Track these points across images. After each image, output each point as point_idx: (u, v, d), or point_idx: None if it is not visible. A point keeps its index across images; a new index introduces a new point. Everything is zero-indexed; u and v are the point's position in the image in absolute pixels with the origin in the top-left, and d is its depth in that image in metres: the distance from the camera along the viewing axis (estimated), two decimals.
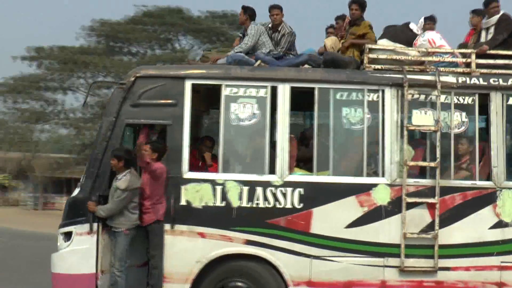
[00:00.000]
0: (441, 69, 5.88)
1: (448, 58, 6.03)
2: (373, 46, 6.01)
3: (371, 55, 5.89)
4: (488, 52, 6.08)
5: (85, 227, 5.45)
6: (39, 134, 30.89)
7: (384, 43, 6.15)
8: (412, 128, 5.59)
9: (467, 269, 5.49)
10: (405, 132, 5.53)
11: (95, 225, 5.45)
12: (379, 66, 5.89)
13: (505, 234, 5.49)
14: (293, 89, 5.61)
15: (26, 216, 24.66)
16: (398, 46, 6.12)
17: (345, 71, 5.78)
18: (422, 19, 6.43)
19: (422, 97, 5.66)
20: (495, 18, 6.34)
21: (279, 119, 5.56)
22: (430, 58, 6.04)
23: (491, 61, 5.97)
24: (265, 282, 5.48)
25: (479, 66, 5.91)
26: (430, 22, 6.47)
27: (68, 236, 5.52)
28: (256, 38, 6.15)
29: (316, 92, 5.58)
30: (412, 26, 6.36)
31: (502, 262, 5.47)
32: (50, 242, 10.47)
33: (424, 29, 6.41)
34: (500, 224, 5.49)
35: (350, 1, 6.32)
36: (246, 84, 5.63)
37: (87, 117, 26.18)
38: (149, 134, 5.64)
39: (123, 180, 5.29)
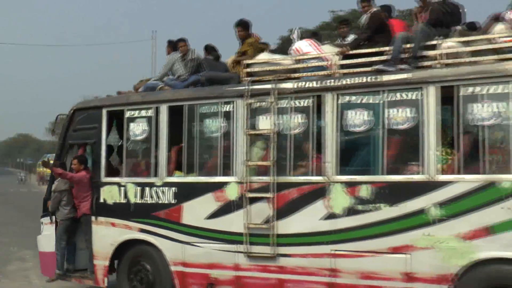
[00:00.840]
0: (309, 74, 6.51)
1: (314, 63, 6.58)
2: (249, 61, 6.93)
3: (248, 70, 6.85)
4: (357, 51, 6.42)
5: (48, 219, 7.78)
6: None
7: (262, 56, 6.99)
8: (252, 133, 6.42)
9: (304, 256, 6.09)
10: (247, 137, 6.41)
11: (53, 217, 7.74)
12: (257, 78, 6.79)
13: (335, 224, 5.93)
14: (171, 108, 6.99)
15: None
16: (275, 58, 6.90)
17: (204, 89, 6.90)
18: (297, 30, 7.00)
19: (265, 104, 6.41)
20: (366, 17, 6.61)
21: (160, 133, 7.02)
22: (300, 65, 6.68)
23: (351, 61, 6.32)
24: (158, 262, 7.00)
25: (347, 66, 6.33)
26: (313, 37, 6.97)
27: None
28: (168, 67, 7.66)
29: (185, 109, 6.87)
30: (292, 37, 7.02)
31: (332, 250, 5.93)
32: None
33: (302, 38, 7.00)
34: (331, 216, 5.95)
35: (234, 24, 7.31)
36: (139, 107, 7.23)
37: None
38: (85, 150, 7.68)
39: (54, 185, 7.46)
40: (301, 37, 6.93)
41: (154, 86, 7.52)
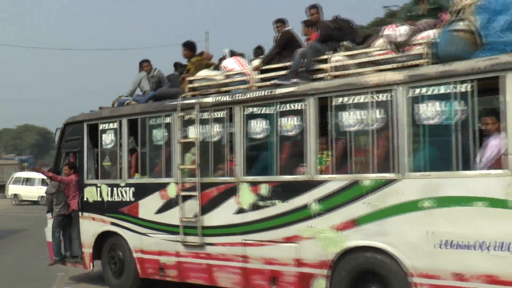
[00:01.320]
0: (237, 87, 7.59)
1: (237, 78, 7.64)
2: (190, 78, 8.11)
3: (190, 85, 8.05)
4: (271, 66, 7.38)
5: (50, 214, 9.52)
6: None
7: (201, 73, 8.13)
8: (182, 141, 7.61)
9: (223, 244, 7.22)
10: (180, 144, 7.63)
11: (51, 214, 9.47)
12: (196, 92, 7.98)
13: (244, 218, 6.99)
14: (130, 121, 8.37)
15: None
16: (210, 74, 8.03)
17: (153, 104, 8.17)
18: (227, 50, 8.02)
19: (192, 116, 7.57)
20: (278, 35, 7.54)
21: (123, 142, 8.43)
22: (227, 80, 7.77)
23: (263, 75, 7.32)
24: (126, 250, 8.45)
25: (266, 79, 7.32)
26: (237, 54, 7.99)
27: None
28: (136, 85, 9.04)
29: (139, 121, 8.21)
30: (224, 52, 8.06)
31: (243, 240, 7.00)
32: None
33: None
34: (240, 210, 7.03)
35: (181, 44, 8.49)
36: (108, 120, 8.68)
37: None
38: (76, 157, 9.29)
39: (46, 188, 9.16)
40: (231, 55, 7.94)
41: (124, 101, 8.91)
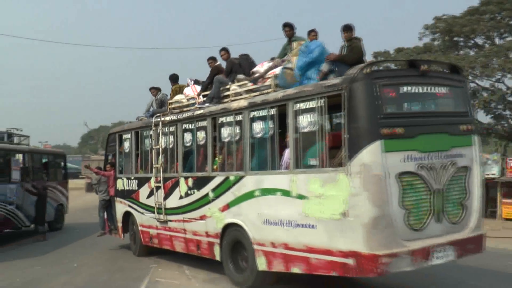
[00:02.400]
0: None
1: (192, 101, 10.64)
2: (171, 101, 11.30)
3: (171, 106, 11.27)
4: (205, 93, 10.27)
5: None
6: None
7: (176, 98, 11.24)
8: (156, 147, 10.82)
9: (175, 221, 10.30)
10: (155, 150, 10.88)
11: None
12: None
13: (182, 202, 9.99)
14: (135, 133, 11.86)
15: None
16: (180, 99, 11.12)
17: (144, 121, 11.52)
18: (190, 79, 10.95)
19: (160, 130, 10.74)
20: (210, 69, 10.33)
21: (132, 148, 11.97)
22: (186, 103, 10.80)
23: (199, 100, 10.25)
24: (136, 225, 11.99)
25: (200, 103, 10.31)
26: (196, 81, 10.89)
27: None
28: (148, 105, 12.45)
29: (139, 133, 11.66)
30: (188, 81, 11.04)
31: (183, 218, 10.01)
32: None
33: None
34: (181, 197, 10.04)
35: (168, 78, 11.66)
36: (126, 132, 12.30)
37: None
38: (115, 157, 13.11)
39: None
40: (194, 83, 10.90)
41: (140, 118, 12.41)
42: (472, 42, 26.36)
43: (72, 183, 24.20)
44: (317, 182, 6.97)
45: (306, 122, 7.20)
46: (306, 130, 7.21)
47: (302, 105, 7.28)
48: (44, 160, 17.63)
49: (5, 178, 14.41)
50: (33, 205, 15.20)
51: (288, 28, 8.91)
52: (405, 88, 6.88)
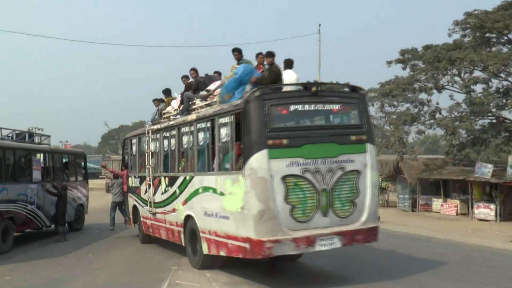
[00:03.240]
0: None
1: (175, 112, 12.68)
2: (164, 111, 13.42)
3: (164, 116, 13.40)
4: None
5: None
6: (415, 136, 30.96)
7: (167, 109, 13.32)
8: (148, 151, 12.96)
9: (160, 213, 12.39)
10: (148, 153, 13.04)
11: None
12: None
13: (163, 197, 12.05)
14: (138, 138, 14.10)
15: (401, 217, 24.12)
16: (169, 110, 13.20)
17: (143, 129, 13.72)
18: (176, 94, 12.95)
19: (151, 136, 12.87)
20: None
21: (137, 151, 14.23)
22: (173, 113, 12.86)
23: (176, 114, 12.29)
24: (140, 217, 14.24)
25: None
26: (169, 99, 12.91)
27: None
28: (153, 114, 14.62)
29: (140, 139, 13.89)
30: (174, 95, 13.08)
31: (164, 210, 12.06)
32: (425, 243, 14.57)
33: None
34: (162, 192, 12.10)
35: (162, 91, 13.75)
36: (134, 138, 14.59)
37: (458, 115, 26.11)
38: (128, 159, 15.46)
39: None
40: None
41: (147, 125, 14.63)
42: (506, 38, 26.07)
43: (92, 183, 23.92)
44: (229, 182, 8.76)
45: (224, 134, 9.00)
46: (224, 140, 9.01)
47: (221, 120, 9.08)
48: (64, 160, 17.73)
49: (26, 178, 14.41)
50: (53, 205, 15.39)
51: (237, 52, 10.61)
52: (295, 107, 8.51)
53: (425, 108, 28.03)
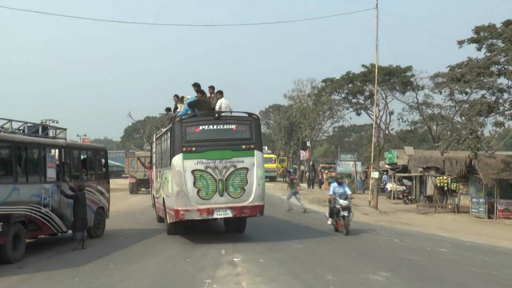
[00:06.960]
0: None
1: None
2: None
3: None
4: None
5: None
6: (492, 128, 26.56)
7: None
8: (154, 152, 15.01)
9: (158, 197, 17.04)
10: (154, 154, 15.99)
11: None
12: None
13: (157, 186, 14.61)
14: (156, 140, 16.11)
15: (474, 224, 20.82)
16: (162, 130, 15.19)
17: (156, 135, 17.47)
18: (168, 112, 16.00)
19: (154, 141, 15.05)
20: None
21: (155, 150, 16.46)
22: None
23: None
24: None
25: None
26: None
27: None
28: (167, 121, 17.03)
29: (157, 139, 16.23)
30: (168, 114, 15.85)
31: (162, 195, 16.18)
32: (504, 257, 12.37)
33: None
34: (158, 182, 15.22)
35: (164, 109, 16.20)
36: (155, 139, 19.47)
37: None
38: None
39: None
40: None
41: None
42: None
43: (114, 183, 22.06)
44: (168, 173, 14.07)
45: (164, 141, 14.70)
46: (164, 146, 14.68)
47: (166, 135, 14.79)
48: (82, 157, 15.60)
49: (39, 176, 12.86)
50: (70, 207, 13.65)
51: (196, 87, 15.17)
52: (203, 127, 13.68)
53: (505, 95, 24.95)
